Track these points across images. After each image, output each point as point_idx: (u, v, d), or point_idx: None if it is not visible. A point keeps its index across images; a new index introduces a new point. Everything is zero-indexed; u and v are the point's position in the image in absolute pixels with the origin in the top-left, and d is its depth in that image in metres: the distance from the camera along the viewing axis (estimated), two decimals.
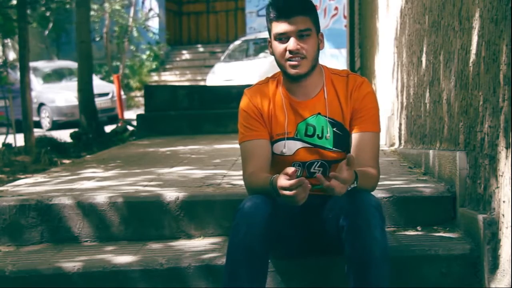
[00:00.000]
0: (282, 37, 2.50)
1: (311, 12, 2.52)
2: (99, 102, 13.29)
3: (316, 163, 2.60)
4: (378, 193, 2.93)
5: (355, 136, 2.58)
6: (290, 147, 2.60)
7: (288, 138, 2.60)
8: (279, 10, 2.49)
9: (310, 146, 2.60)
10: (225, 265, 2.38)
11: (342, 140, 2.60)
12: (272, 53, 2.59)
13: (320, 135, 2.59)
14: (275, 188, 2.37)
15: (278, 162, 2.64)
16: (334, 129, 2.59)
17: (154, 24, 22.06)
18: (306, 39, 2.49)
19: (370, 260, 2.26)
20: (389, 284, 2.30)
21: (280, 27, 2.49)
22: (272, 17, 2.51)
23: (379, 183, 2.61)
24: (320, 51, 2.59)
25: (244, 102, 2.64)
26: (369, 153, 2.55)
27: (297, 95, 2.61)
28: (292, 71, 2.52)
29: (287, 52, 2.49)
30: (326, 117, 2.59)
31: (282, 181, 2.28)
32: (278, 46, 2.52)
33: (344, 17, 16.14)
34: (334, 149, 2.60)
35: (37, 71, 16.24)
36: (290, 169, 2.29)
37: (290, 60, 2.50)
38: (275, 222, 2.40)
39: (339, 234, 2.41)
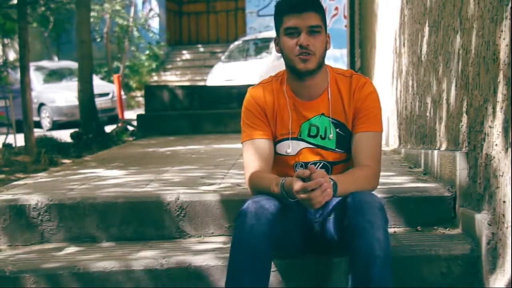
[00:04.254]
0: (293, 32, 2.50)
1: (321, 10, 2.54)
2: (99, 102, 13.28)
3: (318, 163, 2.60)
4: (378, 193, 2.93)
5: (356, 135, 2.58)
6: (294, 147, 2.60)
7: (292, 138, 2.60)
8: (292, 4, 2.50)
9: (312, 146, 2.60)
10: (228, 264, 2.37)
11: (345, 140, 2.60)
12: (278, 51, 2.59)
13: (323, 136, 2.59)
14: (287, 191, 2.37)
15: (280, 162, 2.64)
16: (337, 129, 2.59)
17: (154, 24, 22.07)
18: (316, 36, 2.50)
19: (373, 260, 2.26)
20: (392, 284, 2.30)
21: (292, 21, 2.49)
22: (284, 12, 2.52)
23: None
24: None
25: (248, 101, 2.64)
26: (369, 152, 2.55)
27: (301, 96, 2.61)
28: (301, 66, 2.51)
29: (297, 47, 2.49)
30: (329, 117, 2.59)
31: (299, 184, 2.29)
32: (288, 41, 2.52)
33: (344, 17, 16.14)
34: (336, 149, 2.60)
35: (37, 71, 16.24)
36: (306, 172, 2.30)
37: (300, 55, 2.50)
38: (278, 222, 2.39)
39: (341, 234, 2.41)
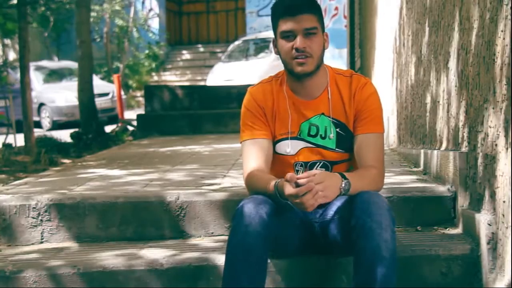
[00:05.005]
0: (289, 35, 2.50)
1: (317, 11, 2.52)
2: (99, 102, 13.28)
3: (318, 163, 2.60)
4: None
5: (359, 137, 2.57)
6: (293, 147, 2.60)
7: (292, 138, 2.60)
8: (286, 7, 2.49)
9: (312, 146, 2.60)
10: (224, 265, 2.37)
11: (345, 140, 2.60)
12: (277, 52, 2.58)
13: (323, 135, 2.59)
14: (281, 193, 2.37)
15: (280, 162, 2.63)
16: (338, 129, 2.59)
17: (154, 24, 22.07)
18: (312, 38, 2.49)
19: (379, 261, 2.26)
20: (396, 285, 2.31)
21: (287, 24, 2.49)
22: (279, 15, 2.51)
23: None
24: None
25: (247, 101, 2.64)
26: (372, 153, 2.55)
27: (301, 95, 2.61)
28: (298, 69, 2.51)
29: (294, 50, 2.49)
30: (329, 117, 2.59)
31: (290, 189, 2.29)
32: (285, 44, 2.52)
33: (344, 17, 16.14)
34: (336, 149, 2.60)
35: (37, 71, 16.25)
36: (290, 176, 2.29)
37: (297, 58, 2.50)
38: (275, 222, 2.39)
39: (346, 234, 2.41)
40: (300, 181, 2.28)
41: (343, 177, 2.38)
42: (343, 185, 2.36)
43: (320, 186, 2.28)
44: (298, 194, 2.27)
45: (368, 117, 2.57)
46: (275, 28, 2.55)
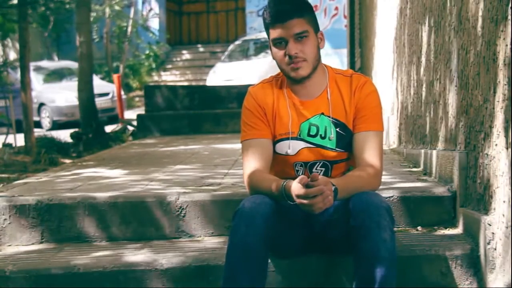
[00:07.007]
0: (280, 41, 2.50)
1: (307, 13, 2.51)
2: (99, 102, 13.28)
3: (318, 163, 2.60)
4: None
5: (358, 135, 2.58)
6: (293, 147, 2.60)
7: (292, 138, 2.60)
8: (273, 15, 2.48)
9: (312, 146, 2.60)
10: (224, 265, 2.38)
11: (345, 140, 2.60)
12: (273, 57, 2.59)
13: (323, 135, 2.59)
14: (288, 194, 2.36)
15: (279, 162, 2.63)
16: (337, 129, 2.59)
17: (154, 24, 22.06)
18: (304, 41, 2.49)
19: (378, 261, 2.27)
20: (395, 285, 2.31)
21: (276, 32, 2.49)
22: (268, 23, 2.51)
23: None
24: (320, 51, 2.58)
25: (248, 100, 2.64)
26: (371, 152, 2.55)
27: (300, 95, 2.61)
28: (294, 74, 2.52)
29: (287, 57, 2.49)
30: (329, 117, 2.59)
31: (299, 190, 2.28)
32: (277, 52, 2.52)
33: (344, 17, 16.15)
34: (336, 149, 2.60)
35: (37, 71, 16.25)
36: (303, 178, 2.29)
37: (291, 64, 2.50)
38: (275, 222, 2.39)
39: (346, 234, 2.41)
40: (312, 183, 2.28)
41: (336, 190, 2.37)
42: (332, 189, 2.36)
43: (328, 190, 2.28)
44: (308, 195, 2.27)
45: (367, 115, 2.58)
46: (267, 35, 2.56)
